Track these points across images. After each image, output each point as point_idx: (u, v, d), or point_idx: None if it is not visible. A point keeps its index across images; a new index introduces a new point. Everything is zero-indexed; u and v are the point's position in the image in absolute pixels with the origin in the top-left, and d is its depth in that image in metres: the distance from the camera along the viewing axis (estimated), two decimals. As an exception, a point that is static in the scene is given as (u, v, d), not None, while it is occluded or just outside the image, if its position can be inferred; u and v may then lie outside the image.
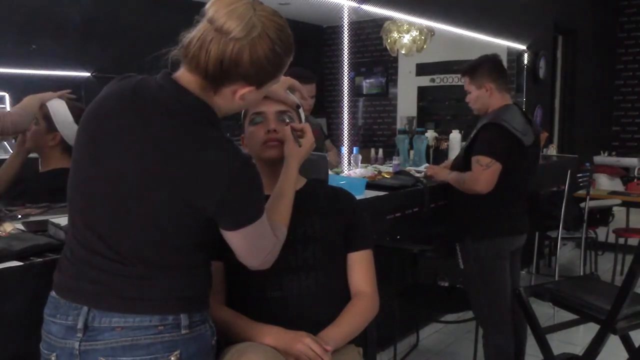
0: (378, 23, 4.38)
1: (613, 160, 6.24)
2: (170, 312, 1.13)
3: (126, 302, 1.11)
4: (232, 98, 1.17)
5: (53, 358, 1.14)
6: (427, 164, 3.28)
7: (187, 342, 1.14)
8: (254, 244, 1.21)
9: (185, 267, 1.17)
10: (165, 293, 1.13)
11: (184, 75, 1.15)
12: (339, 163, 3.26)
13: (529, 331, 2.31)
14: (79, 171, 1.17)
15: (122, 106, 1.14)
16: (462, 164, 2.52)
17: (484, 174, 2.35)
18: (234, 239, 1.18)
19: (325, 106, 6.06)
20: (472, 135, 2.51)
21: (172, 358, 1.12)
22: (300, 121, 1.59)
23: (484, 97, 2.52)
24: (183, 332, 1.13)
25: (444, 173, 2.69)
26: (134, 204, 1.11)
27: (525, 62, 5.02)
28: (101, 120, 1.15)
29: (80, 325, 1.10)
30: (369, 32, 5.66)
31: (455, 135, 3.60)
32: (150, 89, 1.14)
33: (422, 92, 5.99)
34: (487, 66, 2.53)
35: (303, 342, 1.34)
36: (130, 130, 1.11)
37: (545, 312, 3.32)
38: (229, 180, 1.10)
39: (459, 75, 2.61)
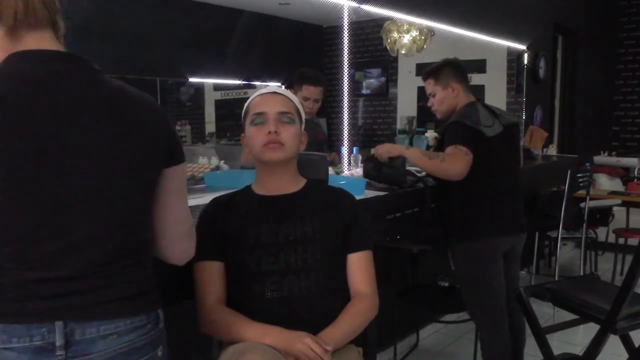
0: (378, 23, 4.38)
1: (613, 160, 6.23)
2: (151, 308, 1.11)
3: (112, 306, 1.05)
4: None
5: None
6: None
7: (163, 336, 1.14)
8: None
9: (146, 258, 1.15)
10: (141, 289, 1.10)
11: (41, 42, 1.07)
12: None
13: (528, 332, 2.31)
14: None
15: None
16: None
17: (466, 159, 2.28)
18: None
19: (325, 106, 6.05)
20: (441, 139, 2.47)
21: (159, 353, 1.12)
22: (302, 123, 1.59)
23: (450, 98, 2.47)
24: (160, 326, 1.13)
25: (397, 148, 2.54)
26: (93, 196, 1.05)
27: (525, 62, 5.02)
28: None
29: (59, 342, 0.99)
30: (369, 32, 5.65)
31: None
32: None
33: (422, 92, 5.99)
34: (451, 67, 2.49)
35: (303, 342, 1.35)
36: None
37: (545, 312, 3.32)
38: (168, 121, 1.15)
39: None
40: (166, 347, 1.15)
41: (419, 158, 2.40)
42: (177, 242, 1.23)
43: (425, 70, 2.56)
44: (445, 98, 2.48)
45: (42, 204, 1.00)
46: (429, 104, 2.56)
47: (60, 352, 0.99)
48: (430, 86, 2.51)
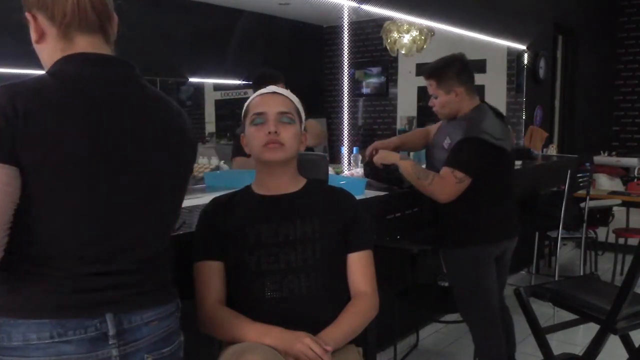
0: (378, 23, 4.38)
1: (613, 160, 6.22)
2: (176, 297, 1.22)
3: (152, 296, 1.14)
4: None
5: None
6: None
7: (180, 323, 1.23)
8: None
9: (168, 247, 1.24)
10: (169, 279, 1.21)
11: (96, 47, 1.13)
12: (324, 133, 3.21)
13: (525, 334, 2.31)
14: None
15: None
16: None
17: (455, 187, 2.23)
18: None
19: (325, 106, 6.06)
20: (444, 145, 2.36)
21: (182, 338, 1.23)
22: (302, 122, 1.59)
23: (452, 102, 2.36)
24: (178, 314, 1.22)
25: (393, 156, 2.46)
26: (154, 194, 1.14)
27: (525, 62, 5.02)
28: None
29: (112, 331, 1.07)
30: (369, 32, 5.65)
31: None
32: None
33: (422, 92, 6.00)
34: (455, 68, 2.36)
35: (303, 342, 1.35)
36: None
37: (545, 312, 3.32)
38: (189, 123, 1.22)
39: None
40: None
41: (409, 174, 2.35)
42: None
43: (427, 68, 2.43)
44: (448, 102, 2.37)
45: (104, 205, 1.07)
46: (430, 104, 2.46)
47: (113, 340, 1.07)
48: (432, 88, 2.40)
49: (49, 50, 1.11)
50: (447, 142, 2.36)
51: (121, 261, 1.09)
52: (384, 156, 2.50)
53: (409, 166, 2.38)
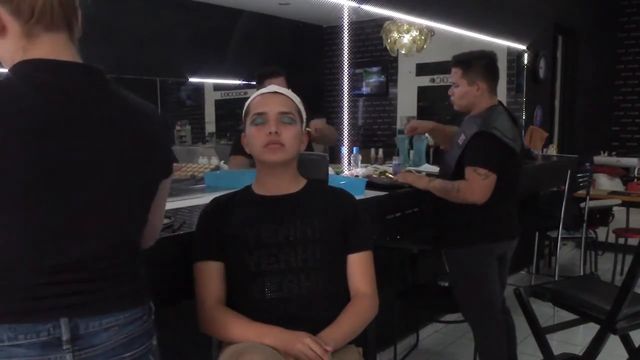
0: (378, 23, 4.38)
1: (613, 160, 6.23)
2: (146, 301, 1.17)
3: (113, 302, 1.09)
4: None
5: None
6: (426, 164, 3.27)
7: (155, 326, 1.19)
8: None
9: (139, 253, 1.20)
10: (136, 285, 1.15)
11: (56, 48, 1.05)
12: (335, 135, 3.22)
13: (525, 334, 2.31)
14: None
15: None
16: (453, 172, 2.36)
17: (483, 183, 2.24)
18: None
19: (325, 106, 6.07)
20: (459, 142, 2.36)
21: (154, 342, 1.17)
22: (302, 123, 1.59)
23: (472, 95, 2.38)
24: (153, 317, 1.18)
25: (422, 181, 2.50)
26: (111, 196, 1.08)
27: (525, 62, 5.02)
28: None
29: (66, 336, 1.03)
30: (369, 32, 5.66)
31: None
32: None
33: (422, 92, 6.00)
34: (483, 63, 2.39)
35: (303, 342, 1.35)
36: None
37: (545, 312, 3.32)
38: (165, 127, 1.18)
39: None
40: (157, 337, 1.21)
41: (440, 192, 2.38)
42: (155, 235, 1.31)
43: (456, 56, 2.44)
44: (468, 94, 2.38)
45: (54, 217, 1.02)
46: (449, 93, 2.46)
47: (66, 345, 1.03)
48: (456, 76, 2.41)
49: (9, 47, 1.04)
50: (461, 139, 2.36)
51: (77, 272, 1.05)
52: (414, 180, 2.53)
53: (438, 186, 2.40)
